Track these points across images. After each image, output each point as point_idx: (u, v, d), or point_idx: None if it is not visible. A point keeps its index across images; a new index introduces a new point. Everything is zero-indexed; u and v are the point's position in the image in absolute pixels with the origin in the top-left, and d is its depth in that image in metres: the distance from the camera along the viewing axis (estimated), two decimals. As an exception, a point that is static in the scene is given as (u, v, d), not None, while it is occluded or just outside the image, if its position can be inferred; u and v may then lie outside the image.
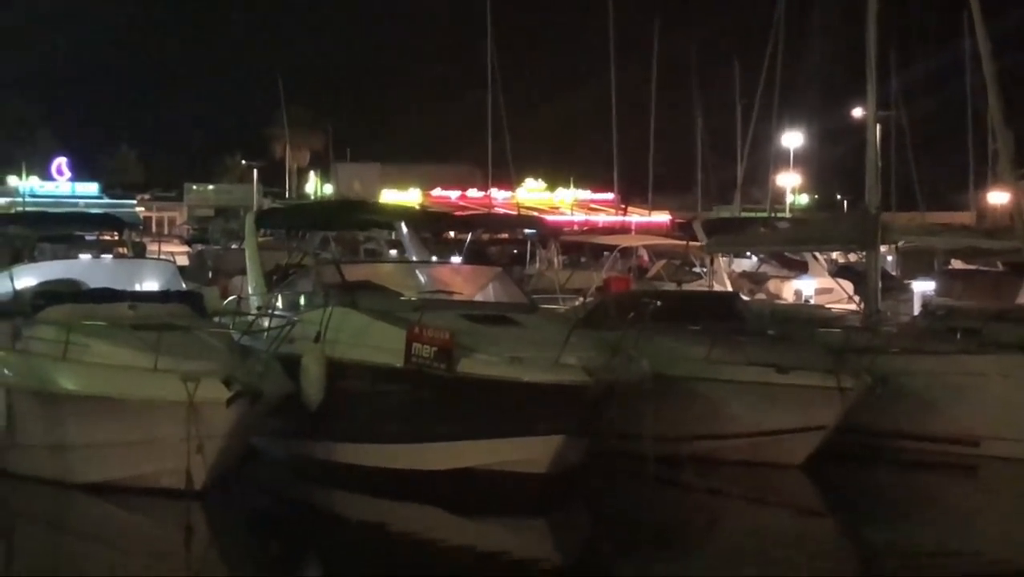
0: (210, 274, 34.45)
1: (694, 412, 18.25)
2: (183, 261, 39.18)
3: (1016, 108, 54.10)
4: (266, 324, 18.19)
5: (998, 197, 52.23)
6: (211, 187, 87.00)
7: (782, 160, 63.28)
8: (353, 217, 27.72)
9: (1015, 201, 25.36)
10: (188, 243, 54.27)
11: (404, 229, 24.40)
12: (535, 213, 53.37)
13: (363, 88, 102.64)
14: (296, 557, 14.59)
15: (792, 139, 62.33)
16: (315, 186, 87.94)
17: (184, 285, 22.52)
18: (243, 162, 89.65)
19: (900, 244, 33.77)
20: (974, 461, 18.99)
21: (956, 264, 40.65)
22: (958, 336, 21.74)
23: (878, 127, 24.47)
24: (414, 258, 23.32)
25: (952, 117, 53.33)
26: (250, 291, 21.38)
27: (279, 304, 19.63)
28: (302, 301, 19.44)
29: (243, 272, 22.84)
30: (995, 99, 23.42)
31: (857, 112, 43.45)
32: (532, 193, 67.61)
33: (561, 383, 16.05)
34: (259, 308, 19.94)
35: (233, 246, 40.11)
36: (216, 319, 19.51)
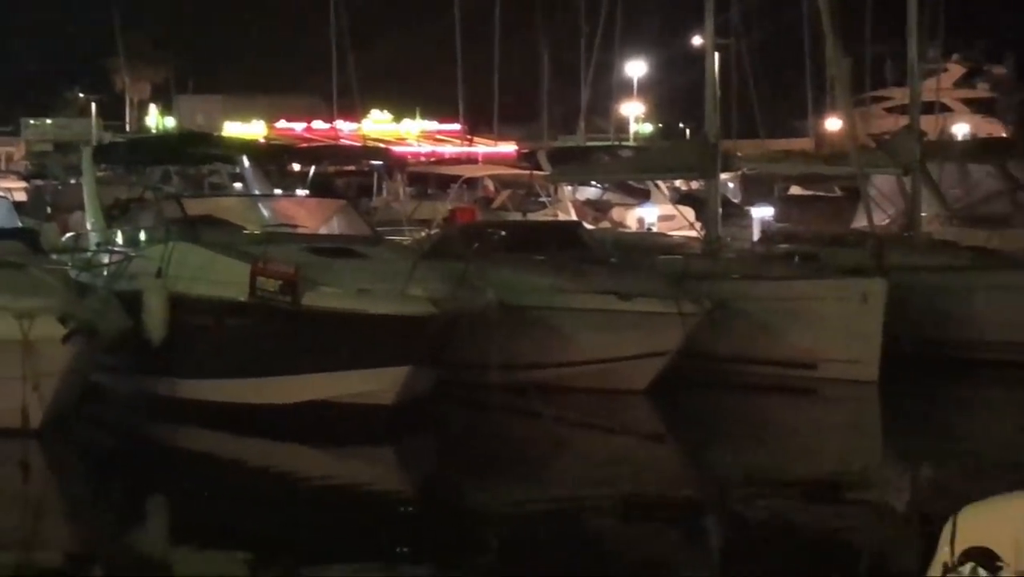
0: (48, 210, 33.78)
1: (539, 340, 18.32)
2: (21, 197, 38.33)
3: (852, 36, 55.10)
4: (105, 260, 17.97)
5: (835, 124, 53.15)
6: (49, 121, 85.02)
7: (625, 89, 63.75)
8: (194, 151, 27.27)
9: (850, 127, 25.84)
10: (26, 179, 53.06)
11: (246, 163, 24.15)
12: (381, 145, 52.95)
13: (206, 18, 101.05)
14: (139, 495, 14.44)
15: (635, 68, 62.80)
16: (157, 119, 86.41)
17: (20, 222, 22.13)
18: (81, 95, 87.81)
19: (740, 171, 34.28)
20: (812, 384, 19.30)
21: (795, 190, 41.40)
22: (795, 261, 22.22)
23: (717, 56, 24.60)
24: (257, 192, 23.11)
25: (791, 45, 53.82)
26: (89, 227, 21.06)
27: (119, 240, 19.38)
28: (143, 236, 19.20)
29: (82, 208, 22.43)
30: (830, 28, 23.72)
31: (697, 41, 43.70)
32: (378, 125, 66.97)
33: (407, 314, 16.11)
34: (98, 244, 19.68)
35: (72, 181, 39.28)
36: (54, 256, 19.19)
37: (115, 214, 21.05)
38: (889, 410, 18.56)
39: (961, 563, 5.55)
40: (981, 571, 5.48)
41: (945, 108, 59.47)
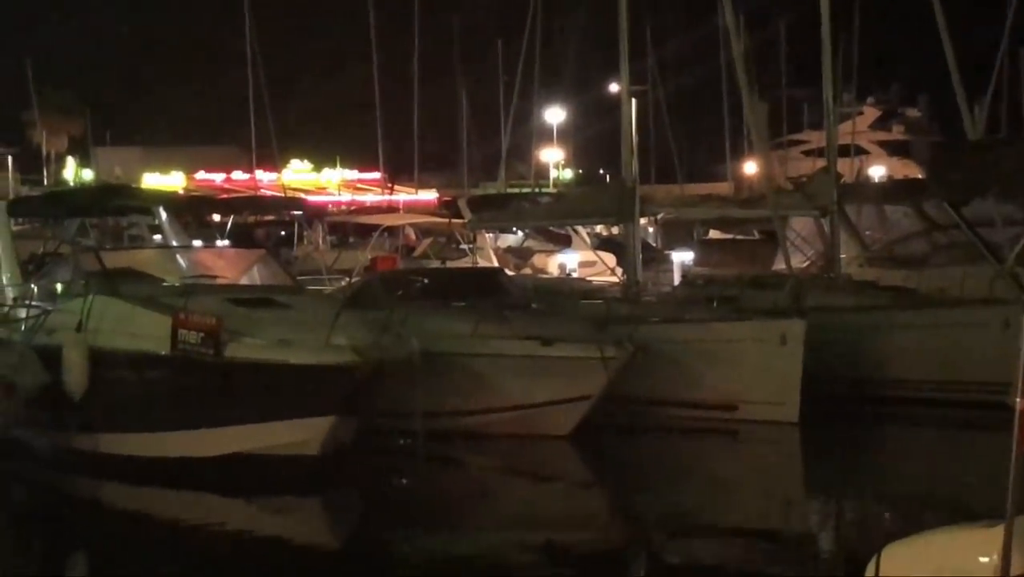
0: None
1: (463, 387, 18.32)
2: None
3: (769, 81, 55.72)
4: (23, 315, 17.86)
5: (753, 167, 53.77)
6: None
7: (545, 136, 64.12)
8: (110, 202, 27.13)
9: (766, 171, 26.20)
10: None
11: (164, 214, 24.08)
12: (300, 195, 52.96)
13: (122, 70, 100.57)
14: (60, 552, 14.31)
15: (554, 115, 63.18)
16: (74, 172, 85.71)
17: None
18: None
19: (659, 216, 34.59)
20: (734, 426, 19.41)
21: (714, 234, 41.81)
22: (715, 304, 22.40)
23: (634, 102, 24.87)
24: (175, 243, 23.03)
25: (708, 90, 54.54)
26: (4, 281, 20.88)
27: (36, 294, 19.25)
28: (60, 290, 19.08)
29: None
30: (744, 74, 24.07)
31: (614, 87, 44.11)
32: (298, 174, 67.06)
33: (329, 364, 16.06)
34: (15, 299, 19.54)
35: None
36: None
37: (31, 268, 20.94)
38: (810, 451, 18.65)
39: (881, 600, 5.71)
40: (901, 607, 5.64)
41: (861, 151, 60.41)
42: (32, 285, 19.71)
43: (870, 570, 5.91)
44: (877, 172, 63.66)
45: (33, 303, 18.52)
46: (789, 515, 16.12)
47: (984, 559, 5.50)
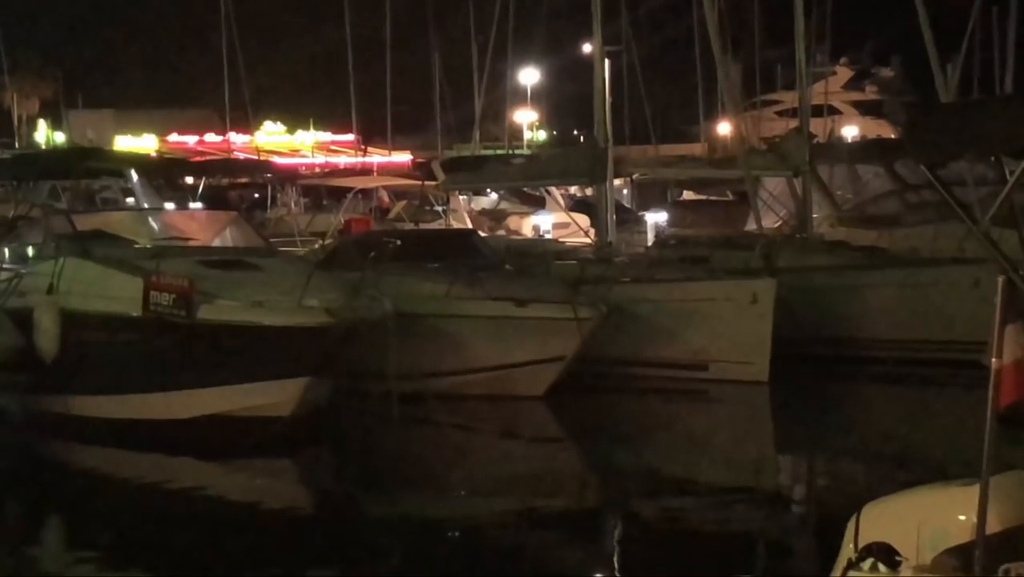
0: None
1: (437, 348, 18.39)
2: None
3: (743, 42, 55.62)
4: (-6, 278, 17.82)
5: (727, 128, 53.74)
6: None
7: (519, 97, 63.92)
8: (82, 165, 27.05)
9: (737, 132, 26.20)
10: (-87, 197, 52.31)
11: (135, 176, 24.03)
12: (274, 157, 52.81)
13: (94, 31, 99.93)
14: (35, 515, 14.35)
15: (528, 76, 63.02)
16: (46, 135, 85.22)
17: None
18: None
19: (634, 177, 34.59)
20: (704, 385, 19.48)
21: (688, 195, 41.82)
22: (686, 263, 22.44)
23: (608, 63, 24.80)
24: (147, 206, 22.97)
25: (681, 50, 54.36)
26: (-26, 245, 20.85)
27: (6, 257, 19.20)
28: (30, 252, 19.03)
29: (-32, 226, 22.19)
30: (716, 35, 24.03)
31: (588, 48, 44.01)
32: (272, 137, 66.76)
33: (303, 325, 16.07)
34: (-13, 262, 19.50)
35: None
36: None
37: (1, 232, 20.87)
38: (780, 410, 18.70)
39: (862, 558, 5.72)
40: (881, 567, 5.64)
41: (834, 111, 60.43)
42: (3, 248, 19.68)
43: (850, 529, 5.93)
44: (850, 132, 63.88)
45: (4, 266, 18.48)
46: (760, 474, 16.18)
47: (962, 517, 5.52)
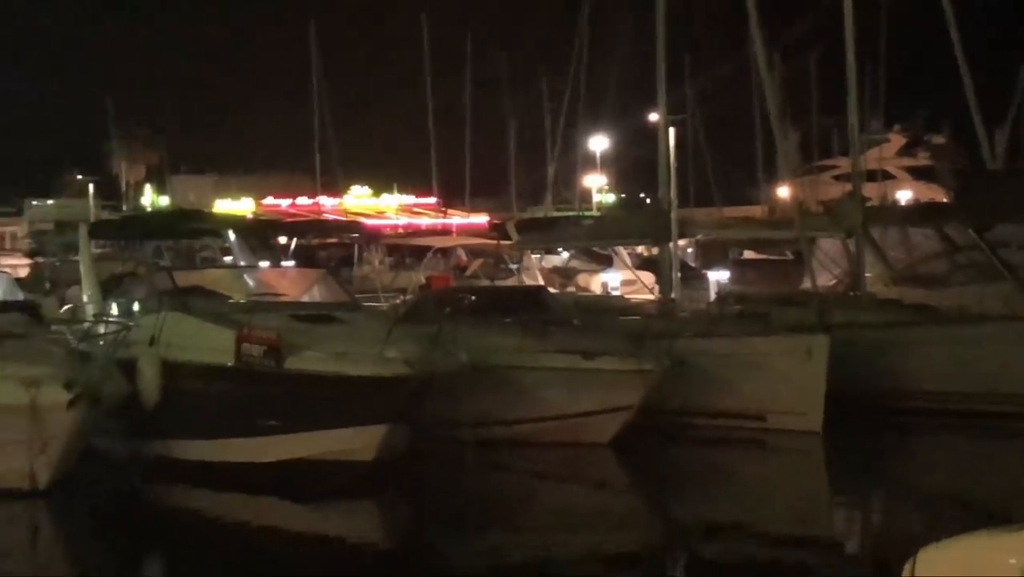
0: (48, 285, 33.76)
1: (508, 398, 18.29)
2: (23, 273, 38.34)
3: (801, 109, 55.38)
4: (102, 330, 17.99)
5: (785, 191, 53.51)
6: (50, 202, 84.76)
7: (589, 162, 64.09)
8: (183, 226, 27.45)
9: (794, 195, 26.10)
10: (29, 255, 53.07)
11: (232, 236, 24.25)
12: (360, 218, 53.14)
13: (197, 103, 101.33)
14: (138, 553, 14.43)
15: (598, 142, 63.08)
16: (151, 198, 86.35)
17: (21, 296, 22.12)
18: (80, 177, 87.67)
19: (697, 237, 34.48)
20: (762, 435, 19.35)
21: (749, 254, 41.60)
22: (745, 319, 22.32)
23: (672, 130, 24.83)
24: (243, 263, 23.17)
25: (743, 118, 54.35)
26: (85, 299, 21.08)
27: (114, 311, 19.42)
28: (136, 307, 19.23)
29: (79, 282, 22.47)
30: (775, 103, 24.03)
31: (653, 116, 44.10)
32: (359, 199, 67.20)
33: (383, 376, 16.09)
34: (95, 315, 19.70)
35: (72, 258, 39.34)
36: (53, 327, 19.20)
37: (110, 287, 21.13)
38: (834, 459, 18.52)
39: (915, 602, 5.67)
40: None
41: (888, 175, 59.91)
42: (111, 303, 19.92)
43: (906, 572, 5.89)
44: (904, 195, 63.19)
45: (112, 319, 18.68)
46: (816, 520, 15.99)
47: (1013, 561, 5.50)
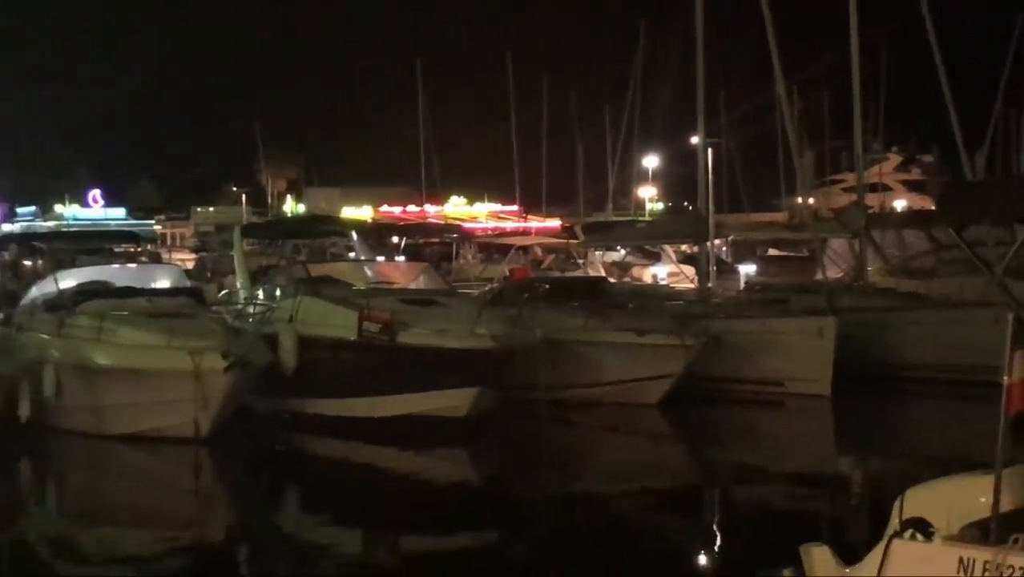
0: (209, 275, 34.21)
1: (575, 367, 18.24)
2: (190, 265, 38.87)
3: (817, 133, 54.58)
4: (251, 311, 18.19)
5: (801, 200, 52.96)
6: (211, 209, 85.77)
7: (642, 177, 63.83)
8: (316, 228, 27.72)
9: (807, 204, 25.88)
10: (195, 251, 53.84)
11: (355, 236, 24.42)
12: (457, 222, 53.27)
13: (327, 130, 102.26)
14: (280, 487, 14.63)
15: (649, 161, 62.80)
16: (291, 206, 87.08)
17: (189, 283, 22.42)
18: (234, 189, 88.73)
19: (729, 238, 34.24)
20: (781, 398, 19.17)
21: (772, 252, 41.16)
22: (769, 304, 22.15)
23: (710, 151, 24.63)
24: (363, 258, 23.32)
25: (768, 141, 53.68)
26: (238, 286, 21.32)
27: (261, 295, 19.61)
28: (278, 293, 19.42)
29: (234, 272, 22.73)
30: (793, 129, 23.80)
31: (694, 140, 43.94)
32: (456, 207, 67.43)
33: (474, 348, 16.18)
34: (246, 299, 19.92)
35: (228, 253, 39.81)
36: (214, 308, 19.43)
37: (258, 276, 21.36)
38: (839, 417, 18.35)
39: (904, 530, 5.66)
40: (919, 536, 5.57)
41: (887, 188, 59.15)
42: (258, 289, 20.12)
43: (896, 507, 5.87)
44: (899, 204, 62.25)
45: (258, 302, 18.87)
46: (825, 465, 15.85)
47: (982, 499, 5.49)
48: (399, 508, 13.08)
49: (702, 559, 11.33)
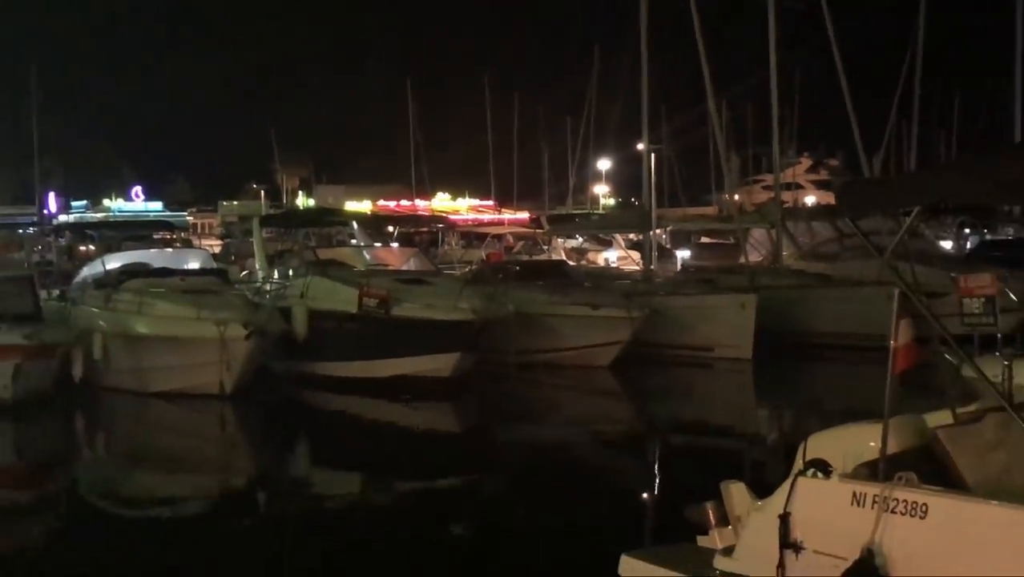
0: (232, 257, 33.92)
1: (540, 335, 18.22)
2: (216, 250, 38.53)
3: (742, 141, 54.57)
4: (268, 288, 18.11)
5: (728, 197, 53.00)
6: (235, 203, 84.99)
7: (597, 177, 63.75)
8: (323, 219, 27.57)
9: (733, 200, 25.93)
10: (220, 238, 53.39)
11: (356, 226, 24.30)
12: (442, 214, 53.08)
13: (333, 136, 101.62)
14: (296, 436, 14.60)
15: (603, 163, 62.71)
16: (302, 200, 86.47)
17: (215, 265, 22.30)
18: (254, 186, 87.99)
19: (669, 228, 34.26)
20: (710, 361, 19.17)
21: (704, 239, 41.17)
22: (701, 284, 22.15)
23: (652, 156, 24.66)
24: (363, 244, 23.22)
25: (702, 147, 53.65)
26: (257, 267, 21.20)
27: (276, 275, 19.51)
28: (291, 273, 19.33)
29: (254, 256, 22.59)
30: (722, 138, 23.81)
31: (640, 146, 43.92)
32: (441, 202, 67.13)
33: (456, 319, 16.18)
34: (263, 278, 19.82)
35: (249, 239, 39.51)
36: (237, 286, 19.33)
37: (274, 259, 21.23)
38: (758, 376, 18.36)
39: (807, 469, 5.62)
40: (819, 474, 5.55)
41: (799, 186, 59.23)
42: (274, 270, 20.02)
43: (800, 449, 5.85)
44: (810, 200, 62.42)
45: (274, 281, 18.78)
46: (746, 415, 15.95)
47: (872, 443, 5.43)
48: (392, 452, 13.07)
49: (643, 493, 11.36)
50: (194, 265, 20.73)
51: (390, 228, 34.49)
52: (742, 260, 22.32)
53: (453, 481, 11.79)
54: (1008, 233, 33.73)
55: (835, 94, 25.02)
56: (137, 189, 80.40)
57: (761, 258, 25.90)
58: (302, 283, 17.79)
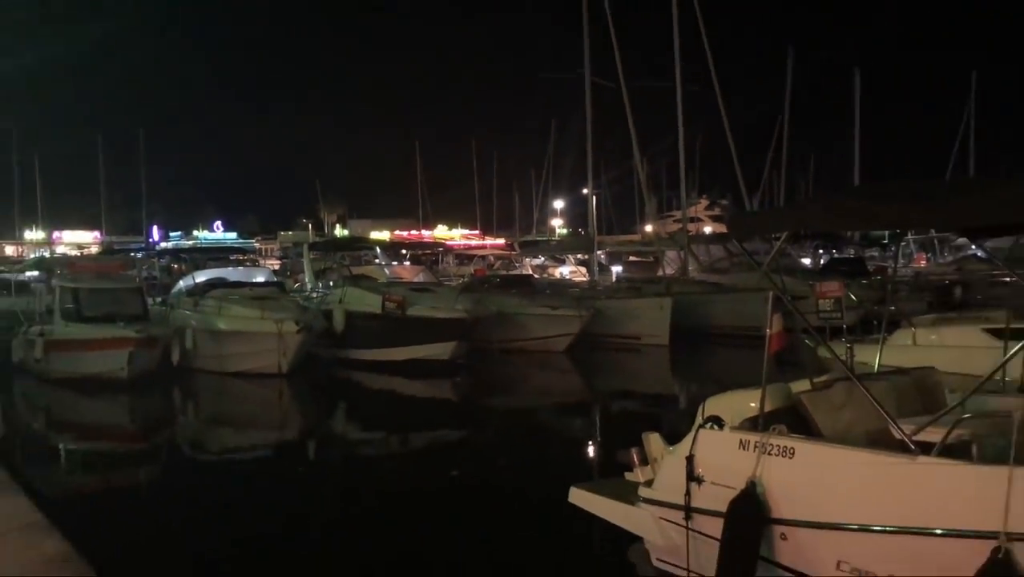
0: (288, 273, 33.68)
1: (514, 329, 18.19)
2: (277, 267, 38.24)
3: (659, 185, 54.59)
4: (314, 296, 18.00)
5: (648, 228, 53.11)
6: (290, 232, 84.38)
7: (554, 213, 63.86)
8: (355, 245, 27.29)
9: (653, 229, 25.99)
10: (279, 259, 52.97)
11: (379, 250, 24.20)
12: (442, 241, 52.95)
13: (361, 184, 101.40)
14: (335, 402, 14.45)
15: (558, 203, 62.86)
16: (339, 231, 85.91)
17: (275, 279, 22.14)
18: (304, 220, 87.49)
19: (606, 250, 34.31)
20: (638, 347, 19.11)
21: (633, 258, 41.21)
22: (631, 290, 22.18)
23: (594, 197, 24.71)
24: (384, 263, 23.12)
25: (631, 191, 53.85)
26: (306, 280, 21.07)
27: (320, 286, 19.39)
28: (332, 284, 19.23)
29: (303, 272, 22.43)
30: (645, 183, 23.89)
31: (585, 191, 43.99)
32: (441, 232, 67.02)
33: (454, 317, 16.15)
34: (311, 288, 19.70)
35: (300, 259, 39.23)
36: (291, 294, 19.20)
37: (319, 274, 21.12)
38: (674, 359, 18.31)
39: (705, 424, 5.68)
40: (715, 427, 5.61)
41: (699, 220, 59.54)
42: (319, 282, 19.89)
43: (700, 409, 5.91)
44: (707, 229, 62.70)
45: (319, 290, 18.66)
46: (664, 387, 15.94)
47: (753, 404, 5.46)
48: (407, 415, 13.00)
49: (587, 441, 11.38)
50: (260, 279, 20.59)
51: (404, 251, 34.45)
52: (660, 273, 22.39)
53: (449, 433, 11.80)
54: (850, 252, 34.09)
55: (725, 153, 25.34)
56: (218, 223, 79.75)
57: (673, 272, 26.02)
58: (340, 292, 17.73)
